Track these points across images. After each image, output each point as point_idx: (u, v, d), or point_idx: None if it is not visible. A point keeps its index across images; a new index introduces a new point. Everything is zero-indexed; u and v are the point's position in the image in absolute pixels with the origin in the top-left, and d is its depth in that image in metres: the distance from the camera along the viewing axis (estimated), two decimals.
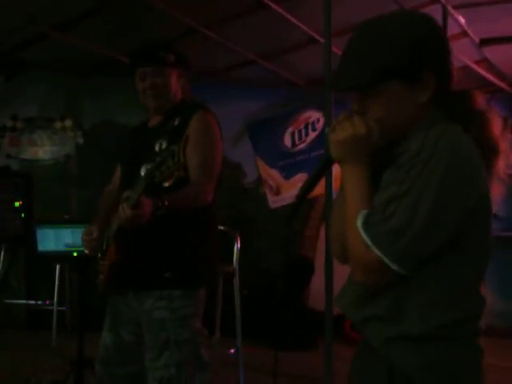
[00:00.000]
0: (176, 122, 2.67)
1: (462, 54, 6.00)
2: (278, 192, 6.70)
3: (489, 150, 1.49)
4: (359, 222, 1.44)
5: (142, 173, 2.57)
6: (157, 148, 2.63)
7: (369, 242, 1.41)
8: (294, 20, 5.30)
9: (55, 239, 4.09)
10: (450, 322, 1.48)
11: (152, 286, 2.53)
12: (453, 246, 1.45)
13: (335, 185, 3.43)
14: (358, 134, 1.49)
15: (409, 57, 1.47)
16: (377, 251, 1.41)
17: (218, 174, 2.67)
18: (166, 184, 2.29)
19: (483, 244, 1.53)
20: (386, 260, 1.40)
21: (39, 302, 6.24)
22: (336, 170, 1.73)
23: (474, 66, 6.41)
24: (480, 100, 1.55)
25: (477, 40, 5.71)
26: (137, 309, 2.58)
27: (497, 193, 1.53)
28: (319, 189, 1.91)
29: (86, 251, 2.67)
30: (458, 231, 1.43)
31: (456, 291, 1.49)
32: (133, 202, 2.26)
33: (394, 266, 1.41)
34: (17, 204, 3.48)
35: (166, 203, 2.34)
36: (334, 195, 3.42)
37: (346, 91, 1.58)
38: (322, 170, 1.65)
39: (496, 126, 1.51)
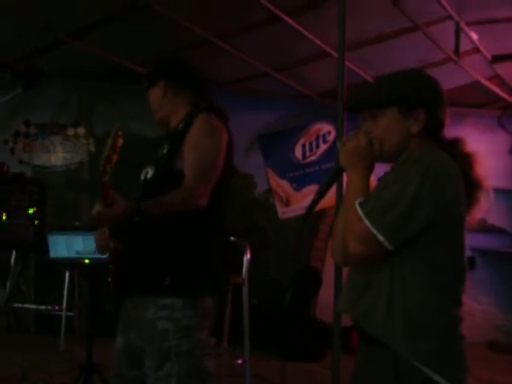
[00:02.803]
0: (180, 126, 2.67)
1: (474, 70, 6.03)
2: (287, 203, 6.72)
3: (474, 187, 1.87)
4: (357, 201, 1.81)
5: (142, 177, 2.66)
6: (159, 153, 2.65)
7: (362, 215, 1.78)
8: (307, 33, 5.34)
9: (67, 246, 4.12)
10: (432, 323, 1.78)
11: (153, 292, 2.52)
12: (431, 242, 1.78)
13: None
14: (361, 145, 1.90)
15: (410, 93, 1.91)
16: (367, 222, 1.76)
17: (219, 179, 2.57)
18: (106, 178, 2.32)
19: (456, 243, 1.85)
20: (373, 230, 1.75)
21: (48, 307, 6.28)
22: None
23: (486, 83, 6.43)
24: (467, 146, 1.92)
25: (489, 57, 5.74)
26: (142, 314, 2.56)
27: (476, 224, 1.91)
28: (328, 201, 2.06)
29: (97, 251, 2.66)
30: (435, 220, 1.76)
31: (437, 296, 1.80)
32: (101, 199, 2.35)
33: (379, 236, 1.74)
34: (31, 211, 3.49)
35: (140, 209, 2.38)
36: None
37: (358, 111, 2.02)
38: (333, 177, 2.05)
39: (480, 166, 1.89)
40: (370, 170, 1.92)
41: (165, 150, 2.63)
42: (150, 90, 2.82)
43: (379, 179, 1.98)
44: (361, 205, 1.80)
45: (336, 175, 2.04)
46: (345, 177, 2.04)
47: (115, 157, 2.34)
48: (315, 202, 2.00)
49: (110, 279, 2.62)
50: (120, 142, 2.36)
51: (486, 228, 6.85)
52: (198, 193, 2.46)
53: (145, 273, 2.55)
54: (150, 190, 2.58)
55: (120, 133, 2.36)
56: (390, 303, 1.78)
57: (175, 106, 2.77)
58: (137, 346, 2.60)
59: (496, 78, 6.42)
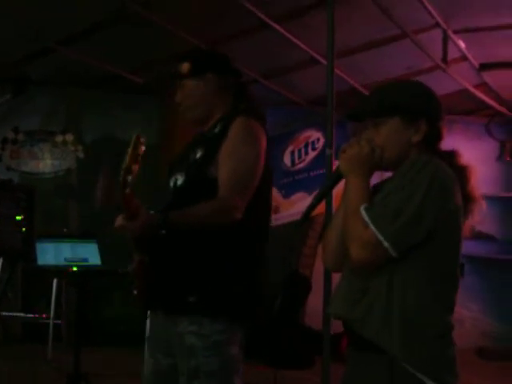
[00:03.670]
0: (217, 130, 2.43)
1: (462, 78, 6.06)
2: (276, 210, 6.73)
3: (468, 199, 1.90)
4: (362, 207, 1.81)
5: (171, 183, 2.46)
6: (191, 157, 2.42)
7: (368, 221, 1.77)
8: (296, 40, 5.36)
9: (55, 253, 4.10)
10: (427, 329, 1.79)
11: (177, 309, 2.34)
12: (432, 254, 1.80)
13: (335, 205, 3.47)
14: (363, 152, 1.91)
15: (413, 104, 1.94)
16: (373, 228, 1.76)
17: (257, 189, 2.35)
18: (127, 190, 2.14)
19: (455, 250, 1.88)
20: (380, 237, 1.75)
21: (36, 315, 6.24)
22: (336, 191, 2.03)
23: (474, 90, 6.47)
24: (462, 158, 1.97)
25: (476, 65, 5.77)
26: (170, 329, 2.38)
27: (467, 233, 1.94)
28: (318, 208, 2.04)
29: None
30: (435, 229, 1.77)
31: (435, 303, 1.81)
32: (124, 212, 2.19)
33: (385, 243, 1.75)
34: (18, 218, 3.47)
35: (167, 221, 2.19)
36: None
37: (359, 120, 2.01)
38: (332, 183, 2.05)
39: (474, 178, 1.93)
40: (369, 177, 1.93)
41: (198, 155, 2.40)
42: (191, 80, 2.51)
43: (374, 186, 1.98)
44: (367, 210, 1.80)
45: (335, 181, 2.04)
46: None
47: (136, 166, 2.16)
48: (312, 206, 2.00)
49: (135, 292, 2.43)
50: (142, 149, 2.17)
51: (473, 235, 6.84)
52: (233, 204, 2.26)
53: (170, 291, 2.36)
54: (181, 198, 2.38)
55: (142, 139, 2.18)
56: (388, 309, 1.79)
57: (213, 105, 2.51)
58: (167, 365, 2.42)
59: (483, 86, 6.45)
